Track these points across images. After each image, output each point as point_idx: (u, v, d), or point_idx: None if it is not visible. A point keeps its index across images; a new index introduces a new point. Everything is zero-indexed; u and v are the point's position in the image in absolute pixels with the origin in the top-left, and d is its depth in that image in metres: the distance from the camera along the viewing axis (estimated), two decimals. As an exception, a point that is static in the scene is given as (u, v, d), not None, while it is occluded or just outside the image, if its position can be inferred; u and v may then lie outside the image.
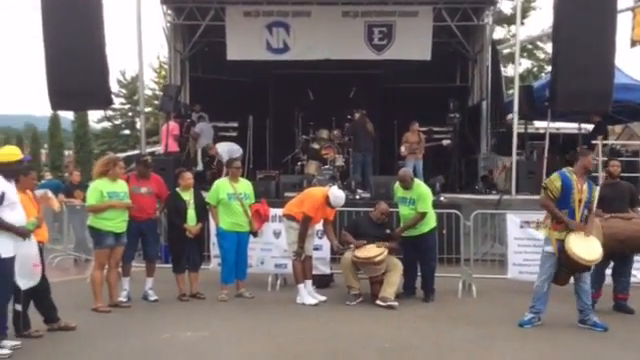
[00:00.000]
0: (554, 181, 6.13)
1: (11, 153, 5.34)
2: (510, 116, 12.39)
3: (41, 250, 5.72)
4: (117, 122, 43.77)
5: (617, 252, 6.66)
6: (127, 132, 43.36)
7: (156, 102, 27.76)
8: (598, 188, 6.45)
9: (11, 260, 5.12)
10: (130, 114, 42.34)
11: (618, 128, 16.58)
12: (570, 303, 6.42)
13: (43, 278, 5.72)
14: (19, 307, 5.59)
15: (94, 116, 43.30)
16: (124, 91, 41.67)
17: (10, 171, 5.22)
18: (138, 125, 37.98)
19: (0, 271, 5.06)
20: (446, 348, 5.49)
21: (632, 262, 7.04)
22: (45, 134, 52.51)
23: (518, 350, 5.45)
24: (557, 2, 10.82)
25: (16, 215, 5.15)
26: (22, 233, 5.19)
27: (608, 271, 7.01)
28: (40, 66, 10.88)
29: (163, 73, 31.00)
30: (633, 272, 7.20)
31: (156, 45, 27.59)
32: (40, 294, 5.79)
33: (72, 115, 43.50)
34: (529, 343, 5.66)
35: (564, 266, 6.09)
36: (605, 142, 12.13)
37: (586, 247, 5.96)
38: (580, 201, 6.04)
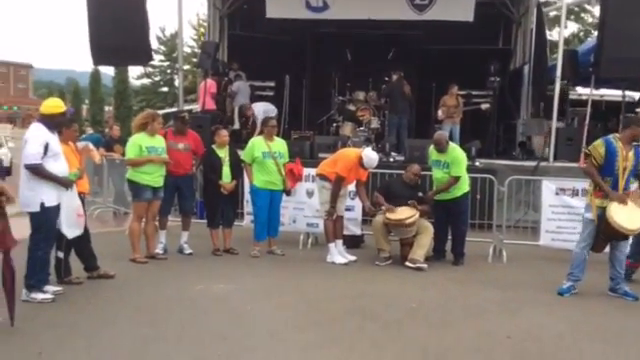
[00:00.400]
0: (598, 147, 5.98)
1: (55, 105, 5.48)
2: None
3: (82, 200, 5.93)
4: (156, 79, 44.27)
5: None
6: (165, 89, 43.87)
7: (195, 60, 27.89)
8: None
9: (55, 209, 5.32)
10: (169, 71, 42.73)
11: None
12: (599, 271, 6.37)
13: (84, 228, 5.95)
14: (61, 254, 5.85)
15: (134, 72, 43.96)
16: (163, 48, 42.02)
17: (54, 123, 5.38)
18: (176, 82, 38.27)
19: (43, 219, 5.26)
20: (473, 310, 5.55)
21: None
22: (86, 89, 53.57)
23: (545, 315, 5.46)
24: (607, -34, 10.42)
25: (59, 166, 5.33)
26: (65, 183, 5.37)
27: None
28: (82, 22, 11.05)
29: (202, 31, 31.04)
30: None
31: (196, 2, 27.59)
32: (81, 243, 6.04)
33: (112, 71, 44.16)
34: (557, 309, 5.66)
35: (602, 233, 5.99)
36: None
37: (628, 216, 5.85)
38: (625, 169, 5.90)
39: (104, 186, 11.50)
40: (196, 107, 15.32)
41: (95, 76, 50.29)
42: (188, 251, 7.67)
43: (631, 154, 5.94)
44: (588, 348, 4.68)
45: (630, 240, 6.38)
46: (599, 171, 5.97)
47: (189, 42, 36.32)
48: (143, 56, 11.46)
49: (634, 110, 12.34)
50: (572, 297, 6.08)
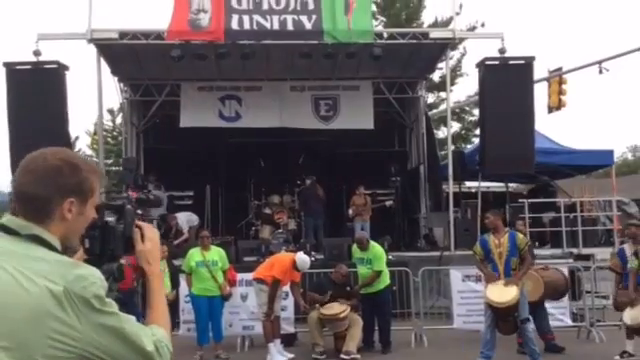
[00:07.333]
0: (476, 246, 7.28)
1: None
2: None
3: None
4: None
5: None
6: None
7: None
8: (521, 237, 7.24)
9: None
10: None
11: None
12: (506, 347, 7.30)
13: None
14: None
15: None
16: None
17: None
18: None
19: None
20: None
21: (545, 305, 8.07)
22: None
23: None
24: (481, 76, 12.31)
25: None
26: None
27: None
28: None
29: (96, 138, 31.33)
30: (559, 316, 8.30)
31: (92, 111, 27.94)
32: None
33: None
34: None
35: (492, 312, 6.93)
36: (535, 199, 13.49)
37: (500, 293, 6.78)
38: (501, 254, 6.96)
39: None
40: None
41: None
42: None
43: (504, 239, 7.01)
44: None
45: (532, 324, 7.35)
46: (486, 262, 7.10)
47: (87, 151, 36.13)
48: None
49: (517, 199, 14.03)
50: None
